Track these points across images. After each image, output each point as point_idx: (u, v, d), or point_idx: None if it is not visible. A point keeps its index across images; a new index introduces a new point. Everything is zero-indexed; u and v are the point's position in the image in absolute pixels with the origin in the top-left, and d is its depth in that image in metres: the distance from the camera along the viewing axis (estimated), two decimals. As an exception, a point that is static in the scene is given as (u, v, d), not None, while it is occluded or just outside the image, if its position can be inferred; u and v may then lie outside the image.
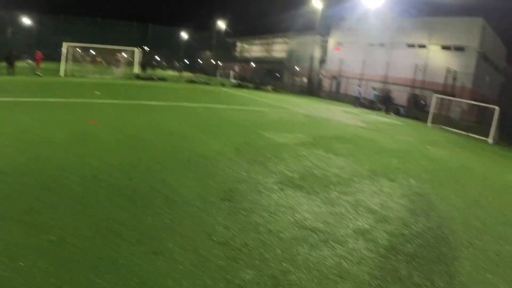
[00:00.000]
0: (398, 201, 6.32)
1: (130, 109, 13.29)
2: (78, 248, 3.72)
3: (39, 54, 29.79)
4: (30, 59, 33.82)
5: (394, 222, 5.36)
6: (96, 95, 16.52)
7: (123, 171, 6.10)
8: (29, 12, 48.58)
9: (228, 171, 6.69)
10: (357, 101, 33.55)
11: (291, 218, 4.98)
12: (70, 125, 9.57)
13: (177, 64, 65.76)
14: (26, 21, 47.83)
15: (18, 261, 3.37)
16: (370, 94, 34.43)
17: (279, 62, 55.41)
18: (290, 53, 54.95)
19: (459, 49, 35.30)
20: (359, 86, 37.27)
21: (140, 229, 4.22)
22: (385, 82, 39.22)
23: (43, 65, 29.53)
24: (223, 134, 10.13)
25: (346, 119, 18.29)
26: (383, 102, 32.77)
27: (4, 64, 27.60)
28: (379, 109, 32.05)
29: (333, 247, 4.33)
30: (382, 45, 41.98)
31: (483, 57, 35.66)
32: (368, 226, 5.05)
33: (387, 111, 31.03)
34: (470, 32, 34.42)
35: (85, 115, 11.17)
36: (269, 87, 40.89)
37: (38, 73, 28.40)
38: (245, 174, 6.64)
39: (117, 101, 15.06)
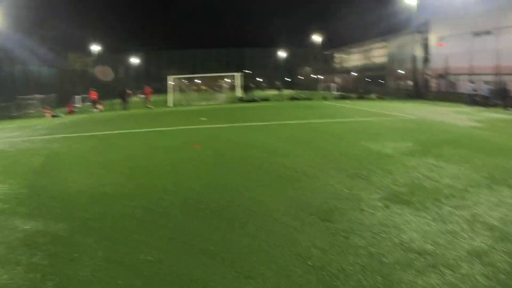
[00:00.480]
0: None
1: (233, 131, 13.66)
2: (173, 268, 3.80)
3: (148, 89, 32.30)
4: (140, 94, 36.67)
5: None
6: (202, 121, 17.24)
7: (222, 193, 6.17)
8: (135, 52, 53.02)
9: (329, 188, 6.37)
10: (470, 99, 30.72)
11: (396, 239, 4.45)
12: (175, 151, 10.23)
13: (277, 83, 66.84)
14: (134, 60, 52.19)
15: (117, 280, 3.58)
16: (483, 89, 31.22)
17: (380, 68, 53.40)
18: (391, 57, 52.70)
19: None
20: (472, 82, 34.05)
21: (235, 251, 4.17)
22: (497, 73, 35.47)
23: (152, 98, 31.82)
24: (325, 149, 9.81)
25: (458, 120, 16.85)
26: (499, 96, 29.59)
27: (118, 100, 30.48)
28: (495, 105, 29.02)
29: (443, 273, 3.71)
30: (488, 32, 38.22)
31: None
32: (485, 247, 4.22)
33: (505, 106, 28.05)
34: None
35: (190, 140, 11.77)
36: (372, 95, 39.57)
37: (149, 106, 30.72)
38: (346, 190, 6.24)
39: (221, 125, 15.59)
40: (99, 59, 55.10)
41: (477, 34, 38.67)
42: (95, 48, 62.19)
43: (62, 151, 11.55)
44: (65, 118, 27.39)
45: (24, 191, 7.12)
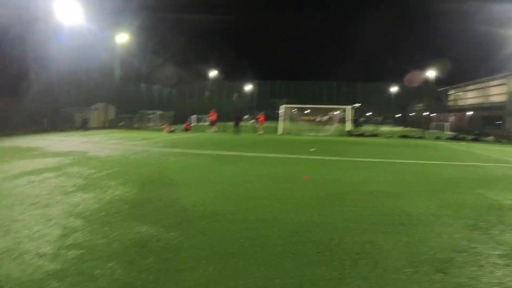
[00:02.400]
0: None
1: (341, 165, 13.34)
2: None
3: (261, 115, 33.31)
4: (253, 120, 37.91)
5: None
6: (311, 152, 17.12)
7: (325, 229, 5.90)
8: (249, 80, 55.10)
9: (444, 237, 5.76)
10: None
11: None
12: (282, 178, 10.13)
13: (388, 119, 64.86)
14: (247, 87, 54.24)
15: None
16: None
17: (498, 107, 49.13)
18: (511, 95, 48.28)
19: None
20: None
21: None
22: None
23: (264, 124, 32.71)
24: (438, 193, 9.01)
25: None
26: None
27: (232, 124, 31.93)
28: None
29: None
30: None
31: None
32: None
33: None
34: None
35: (300, 170, 11.69)
36: (490, 138, 36.54)
37: (260, 132, 31.56)
38: (463, 242, 5.58)
39: (329, 158, 15.31)
40: (215, 84, 58.15)
41: None
42: (213, 73, 65.83)
43: (176, 165, 12.23)
44: (181, 135, 29.02)
45: (141, 196, 7.60)
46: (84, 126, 33.97)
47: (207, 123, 40.36)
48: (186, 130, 33.53)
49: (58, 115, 36.12)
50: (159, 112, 44.60)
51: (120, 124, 37.53)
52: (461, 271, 4.53)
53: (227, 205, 7.12)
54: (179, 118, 43.29)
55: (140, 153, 15.28)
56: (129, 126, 37.93)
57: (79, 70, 40.01)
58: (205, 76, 64.46)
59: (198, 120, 44.00)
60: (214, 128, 33.86)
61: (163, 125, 35.83)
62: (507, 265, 4.76)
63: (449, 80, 58.87)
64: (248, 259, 4.58)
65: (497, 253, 5.16)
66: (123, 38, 41.05)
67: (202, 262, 4.41)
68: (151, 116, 43.20)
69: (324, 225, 6.07)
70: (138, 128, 37.15)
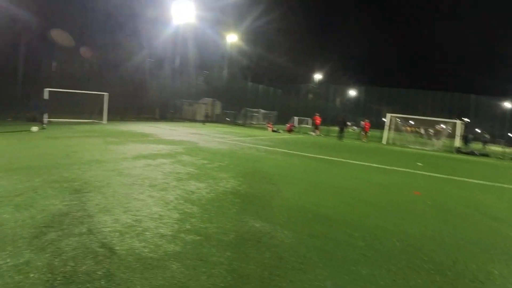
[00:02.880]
0: None
1: (453, 184, 12.27)
2: None
3: (367, 123, 32.37)
4: (356, 127, 37.03)
5: None
6: (418, 166, 16.14)
7: (447, 249, 5.37)
8: (356, 85, 53.65)
9: None
10: None
11: None
12: (390, 190, 9.57)
13: (501, 138, 59.62)
14: (352, 92, 52.94)
15: None
16: None
17: None
18: None
19: None
20: None
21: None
22: None
23: (370, 132, 31.80)
24: None
25: None
26: None
27: (335, 129, 31.40)
28: None
29: None
30: None
31: None
32: None
33: None
34: None
35: (410, 183, 10.99)
36: None
37: (364, 140, 30.73)
38: None
39: (438, 175, 14.24)
40: (320, 87, 57.71)
41: None
42: (318, 76, 65.43)
43: (284, 164, 12.18)
44: (284, 135, 29.15)
45: (252, 191, 7.63)
46: (206, 119, 35.74)
47: (309, 126, 40.17)
48: (289, 131, 33.64)
49: (168, 106, 38.24)
50: (262, 110, 45.36)
51: (227, 119, 38.68)
52: None
53: (339, 209, 6.86)
54: (281, 118, 43.64)
55: (247, 149, 15.54)
56: (233, 122, 39.00)
57: (190, 66, 42.04)
58: (310, 78, 64.34)
59: (300, 122, 43.99)
60: (317, 132, 33.59)
61: (267, 123, 36.32)
62: None
63: None
64: (372, 269, 4.32)
65: None
66: (233, 37, 42.43)
67: (318, 265, 4.23)
68: (255, 114, 44.08)
69: (445, 245, 5.55)
70: (242, 125, 38.06)
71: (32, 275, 3.52)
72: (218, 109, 41.72)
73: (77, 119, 23.41)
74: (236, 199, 6.77)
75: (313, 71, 65.91)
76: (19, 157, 9.57)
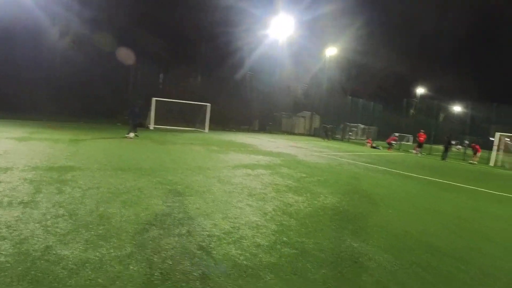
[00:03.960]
0: None
1: None
2: None
3: (477, 146, 29.99)
4: (460, 146, 34.62)
5: None
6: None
7: None
8: (462, 101, 50.11)
9: None
10: None
11: None
12: (503, 223, 8.55)
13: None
14: (457, 108, 49.63)
15: None
16: None
17: None
18: None
19: None
20: None
21: None
22: None
23: (479, 154, 29.46)
24: None
25: None
26: None
27: (440, 147, 29.49)
28: None
29: None
30: None
31: None
32: None
33: None
34: None
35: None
36: None
37: (472, 162, 28.57)
38: None
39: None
40: (423, 102, 54.99)
41: None
42: (421, 90, 62.31)
43: (385, 184, 11.63)
44: (384, 152, 28.14)
45: (352, 209, 7.40)
46: (327, 135, 35.95)
47: (410, 143, 38.35)
48: (389, 144, 32.45)
49: (268, 118, 38.89)
50: (362, 126, 44.33)
51: (327, 134, 38.25)
52: None
53: (446, 239, 6.29)
54: (381, 134, 42.28)
55: (345, 165, 15.19)
56: (331, 136, 38.55)
57: (289, 79, 42.43)
58: (412, 94, 61.53)
59: (401, 139, 42.25)
60: (419, 150, 31.91)
61: (366, 139, 35.40)
62: None
63: None
64: None
65: None
66: (332, 50, 42.04)
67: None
68: (354, 129, 43.21)
69: None
70: (339, 139, 37.47)
71: (131, 267, 3.76)
72: (316, 123, 41.53)
73: (181, 127, 24.66)
74: (334, 216, 6.59)
75: (416, 86, 63.07)
76: (128, 159, 10.29)
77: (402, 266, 4.72)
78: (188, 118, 27.70)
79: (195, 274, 3.72)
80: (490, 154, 30.07)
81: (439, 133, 37.86)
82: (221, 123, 30.76)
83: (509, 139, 32.79)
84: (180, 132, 21.89)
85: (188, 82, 34.32)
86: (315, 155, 17.43)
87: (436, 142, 34.59)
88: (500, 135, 30.57)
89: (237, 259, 4.18)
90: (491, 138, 31.81)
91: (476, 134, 36.69)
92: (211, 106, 26.36)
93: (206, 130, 25.58)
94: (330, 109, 43.30)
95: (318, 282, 3.90)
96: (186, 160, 11.08)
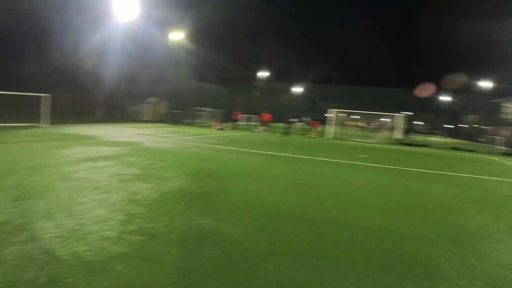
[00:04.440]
0: None
1: (392, 174, 12.98)
2: None
3: (314, 122, 33.18)
4: (301, 122, 37.79)
5: None
6: (362, 158, 16.81)
7: (388, 234, 5.77)
8: (301, 82, 54.74)
9: (499, 254, 5.39)
10: None
11: None
12: (338, 183, 10.05)
13: (439, 129, 62.75)
14: (297, 89, 53.96)
15: None
16: None
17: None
18: None
19: None
20: None
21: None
22: None
23: (319, 128, 32.54)
24: (492, 210, 8.46)
25: None
26: None
27: (283, 125, 31.90)
28: None
29: None
30: None
31: None
32: None
33: None
34: None
35: (351, 175, 11.50)
36: (550, 156, 34.55)
37: (312, 135, 31.39)
38: None
39: (379, 165, 14.92)
40: (266, 84, 58.31)
41: None
42: (264, 73, 65.93)
43: (231, 162, 12.41)
44: (230, 132, 29.26)
45: (199, 189, 7.70)
46: (174, 121, 35.31)
47: (257, 123, 40.53)
48: (234, 120, 34.07)
49: (113, 107, 37.37)
50: (209, 109, 45.21)
51: (174, 120, 38.16)
52: None
53: (287, 203, 7.10)
54: (228, 117, 43.78)
55: (193, 148, 15.55)
56: (179, 122, 38.62)
57: (134, 65, 41.23)
58: (256, 76, 64.71)
59: (248, 120, 44.29)
60: (263, 128, 33.87)
61: (213, 122, 36.33)
62: None
63: (504, 91, 55.99)
64: (318, 258, 4.55)
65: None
66: (177, 36, 41.83)
67: (264, 258, 4.39)
68: (201, 113, 43.87)
69: (390, 232, 5.92)
70: (188, 124, 37.78)
71: (-33, 288, 3.43)
72: (163, 109, 41.16)
73: (15, 123, 22.43)
74: (181, 198, 6.79)
75: (260, 69, 66.51)
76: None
77: (247, 234, 5.16)
78: (23, 112, 25.20)
79: (43, 279, 3.52)
80: (326, 128, 33.60)
81: (282, 112, 40.65)
82: (63, 115, 28.63)
83: (343, 114, 36.89)
84: (14, 128, 19.88)
85: (19, 71, 31.01)
86: (163, 141, 17.42)
87: (280, 120, 37.14)
88: (335, 111, 34.29)
89: (85, 256, 4.07)
90: (327, 115, 35.45)
91: (314, 112, 40.39)
92: (52, 97, 24.32)
93: (46, 124, 23.63)
94: (178, 94, 43.25)
95: (167, 262, 4.05)
96: (23, 160, 10.12)
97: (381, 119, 44.45)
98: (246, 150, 16.33)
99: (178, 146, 15.52)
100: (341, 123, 36.46)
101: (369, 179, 11.12)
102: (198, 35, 48.32)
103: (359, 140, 32.34)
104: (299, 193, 8.17)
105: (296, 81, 63.67)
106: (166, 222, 5.38)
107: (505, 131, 52.67)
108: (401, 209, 7.75)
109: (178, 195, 7.01)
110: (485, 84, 56.65)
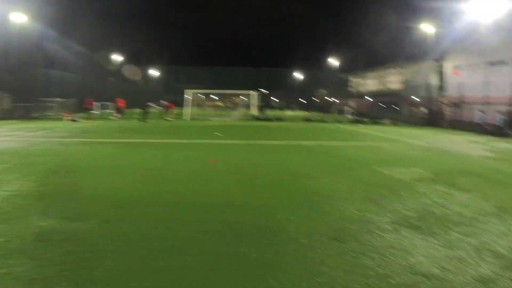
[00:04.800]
0: (531, 242, 5.29)
1: (247, 149, 13.81)
2: (187, 274, 3.92)
3: (170, 104, 32.96)
4: (159, 106, 37.29)
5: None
6: (217, 136, 17.40)
7: (235, 208, 6.28)
8: (155, 65, 53.64)
9: (340, 209, 6.35)
10: (481, 128, 30.82)
11: (404, 262, 4.39)
12: (190, 164, 10.40)
13: (293, 103, 67.02)
14: (153, 72, 52.81)
15: (130, 283, 3.72)
16: (496, 119, 31.13)
17: (395, 94, 53.21)
18: (406, 83, 52.63)
19: None
20: (482, 111, 33.97)
21: (243, 265, 4.21)
22: None
23: (175, 111, 32.38)
24: (337, 171, 9.77)
25: (471, 150, 16.69)
26: None
27: (138, 111, 31.17)
28: (508, 135, 29.19)
29: (449, 296, 3.74)
30: (504, 62, 38.25)
31: None
32: (492, 274, 4.15)
33: None
34: None
35: (205, 155, 11.93)
36: (386, 121, 39.44)
37: (168, 119, 31.16)
38: (357, 212, 6.21)
39: (235, 142, 15.71)
40: (121, 69, 55.94)
41: (493, 64, 38.68)
42: (117, 58, 63.11)
43: (81, 155, 11.89)
44: (84, 123, 27.79)
45: (42, 189, 7.29)
46: (19, 115, 31.66)
47: (112, 111, 38.99)
48: (87, 109, 32.59)
49: None
50: (58, 99, 42.02)
51: (17, 114, 34.73)
52: (354, 238, 5.09)
53: (134, 189, 7.22)
54: (81, 106, 41.19)
55: (41, 144, 14.40)
56: (26, 116, 35.38)
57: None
58: (110, 61, 61.63)
59: (103, 108, 42.24)
60: (119, 115, 32.73)
61: (64, 113, 33.96)
62: (395, 230, 5.43)
63: (350, 67, 62.00)
64: (164, 240, 4.80)
65: (387, 220, 5.83)
66: (19, 17, 37.44)
67: (106, 250, 4.44)
68: (50, 104, 40.64)
69: (238, 205, 6.43)
70: (37, 118, 34.78)
71: None
72: (6, 104, 37.22)
73: None
74: (22, 201, 6.37)
75: (113, 53, 63.31)
76: None
77: (92, 228, 5.18)
78: None
79: None
80: (184, 110, 33.72)
81: (138, 96, 39.57)
82: None
83: (201, 96, 37.20)
84: None
85: None
86: (5, 140, 15.93)
87: (136, 105, 36.20)
88: (191, 92, 34.46)
89: None
90: (186, 96, 35.50)
91: (171, 94, 40.06)
92: None
93: None
94: (23, 86, 39.32)
95: (5, 275, 3.82)
96: None
97: (238, 98, 45.95)
98: (97, 140, 15.78)
99: (22, 145, 14.21)
100: (198, 104, 36.97)
101: (223, 156, 11.70)
102: (44, 17, 44.27)
103: (217, 119, 33.19)
104: (147, 179, 8.32)
105: (151, 64, 62.33)
106: (2, 231, 5.03)
107: (351, 103, 58.30)
108: (247, 181, 8.42)
109: (19, 199, 6.55)
110: (334, 60, 61.76)
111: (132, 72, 45.54)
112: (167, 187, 7.61)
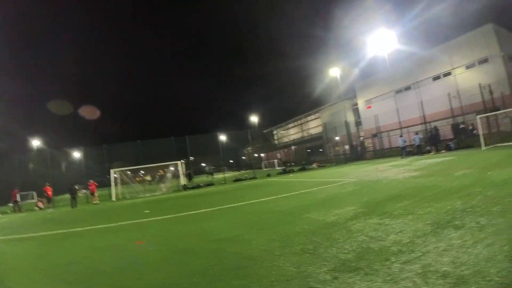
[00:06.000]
0: (472, 252, 5.19)
1: (177, 221, 13.02)
2: None
3: (92, 184, 31.24)
4: (85, 190, 35.56)
5: (472, 279, 4.31)
6: (145, 214, 16.51)
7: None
8: (76, 147, 51.40)
9: (275, 269, 5.84)
10: (404, 151, 32.71)
11: None
12: (115, 250, 9.29)
13: (207, 168, 66.98)
14: (76, 155, 50.57)
15: None
16: (414, 140, 33.45)
17: (317, 138, 55.18)
18: (325, 126, 54.82)
19: (483, 61, 34.38)
20: (401, 135, 36.22)
21: None
22: (425, 122, 38.12)
23: (97, 193, 30.82)
24: (270, 228, 9.22)
25: (397, 174, 17.23)
26: (431, 143, 32.00)
27: (68, 196, 29.21)
28: (428, 152, 31.09)
29: None
30: (408, 88, 41.54)
31: (510, 58, 34.08)
32: None
33: (437, 150, 30.01)
34: (486, 41, 33.56)
35: (132, 236, 10.95)
36: (314, 165, 40.43)
37: (94, 202, 29.60)
38: (293, 269, 5.75)
39: (165, 216, 14.83)
40: (40, 153, 53.14)
41: (399, 91, 41.75)
42: (36, 143, 60.08)
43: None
44: (10, 217, 25.50)
45: None
46: None
47: (35, 200, 36.38)
48: (15, 202, 29.93)
49: None
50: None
51: None
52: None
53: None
54: (2, 198, 37.85)
55: None
56: None
57: None
58: (29, 147, 58.38)
59: (23, 198, 39.27)
60: (50, 205, 30.39)
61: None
62: (335, 278, 5.06)
63: (271, 121, 63.87)
64: None
65: (325, 269, 5.45)
66: None
67: None
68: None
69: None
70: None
71: None
72: None
73: None
74: None
75: (33, 138, 60.27)
76: None
77: None
78: None
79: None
80: (112, 190, 32.21)
81: (63, 181, 37.49)
82: None
83: (127, 173, 35.93)
84: None
85: None
86: None
87: (64, 191, 34.20)
88: (115, 171, 33.19)
89: None
90: (108, 176, 33.96)
91: (94, 175, 38.18)
92: None
93: None
94: None
95: None
96: None
97: (165, 169, 44.92)
98: (18, 236, 14.31)
99: None
100: (125, 182, 35.70)
101: (149, 235, 10.88)
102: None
103: (146, 195, 32.09)
104: (65, 276, 7.25)
105: (74, 146, 59.97)
106: None
107: (278, 154, 59.53)
108: (177, 258, 7.72)
109: None
110: (254, 118, 63.30)
111: (53, 156, 43.24)
112: (93, 281, 6.65)
